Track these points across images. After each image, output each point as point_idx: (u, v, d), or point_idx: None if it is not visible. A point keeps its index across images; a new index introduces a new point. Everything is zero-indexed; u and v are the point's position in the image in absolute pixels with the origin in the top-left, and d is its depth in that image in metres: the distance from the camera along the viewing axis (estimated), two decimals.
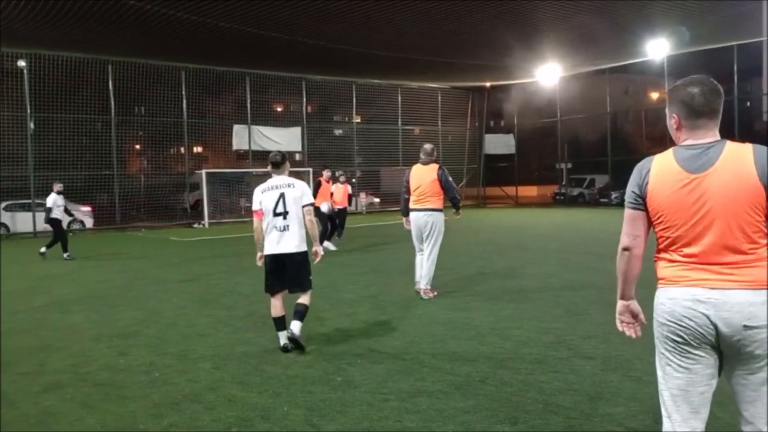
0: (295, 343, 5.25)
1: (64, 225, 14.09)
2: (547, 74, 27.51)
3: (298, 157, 28.12)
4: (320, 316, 6.68)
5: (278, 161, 5.52)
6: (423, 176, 7.58)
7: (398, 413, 3.82)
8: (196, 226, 22.95)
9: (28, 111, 20.52)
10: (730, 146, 2.21)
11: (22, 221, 20.24)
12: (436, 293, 7.58)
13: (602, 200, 29.17)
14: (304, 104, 27.53)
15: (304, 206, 5.42)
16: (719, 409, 2.84)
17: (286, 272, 5.36)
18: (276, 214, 5.33)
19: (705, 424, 2.30)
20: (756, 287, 2.13)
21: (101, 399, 4.30)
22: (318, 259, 5.59)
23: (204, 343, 5.71)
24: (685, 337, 2.22)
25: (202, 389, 4.41)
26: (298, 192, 5.41)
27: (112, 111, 22.29)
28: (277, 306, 5.40)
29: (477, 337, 5.64)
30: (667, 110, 2.37)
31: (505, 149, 32.78)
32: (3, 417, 4.01)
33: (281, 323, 5.37)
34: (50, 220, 13.07)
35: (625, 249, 2.39)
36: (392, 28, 18.41)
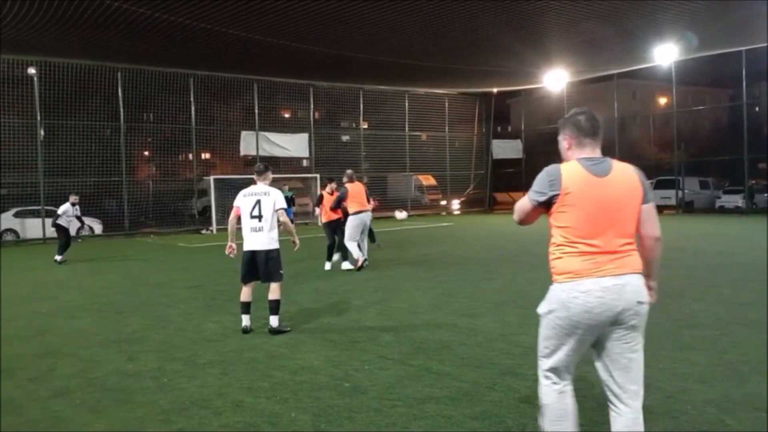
0: (277, 332, 6.18)
1: (72, 232, 14.63)
2: (555, 80, 27.49)
3: (305, 163, 28.15)
4: (327, 322, 6.69)
5: (260, 170, 6.45)
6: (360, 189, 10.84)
7: (406, 419, 3.81)
8: (204, 232, 23.01)
9: (39, 118, 20.68)
10: (615, 161, 2.81)
11: (32, 227, 20.38)
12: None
13: None
14: (312, 110, 27.59)
15: (276, 210, 6.26)
16: None
17: (258, 266, 6.25)
18: (252, 217, 6.23)
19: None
20: (638, 272, 2.76)
21: (110, 404, 4.31)
22: (296, 248, 6.68)
23: (212, 349, 5.73)
24: (592, 324, 2.68)
25: (210, 395, 4.42)
26: (271, 200, 6.26)
27: (121, 118, 22.43)
28: (246, 293, 6.34)
29: (484, 343, 5.63)
30: (559, 136, 2.92)
31: (513, 154, 32.75)
32: (11, 423, 4.03)
33: (247, 308, 6.34)
34: (56, 225, 13.68)
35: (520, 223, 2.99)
36: (399, 34, 18.45)
